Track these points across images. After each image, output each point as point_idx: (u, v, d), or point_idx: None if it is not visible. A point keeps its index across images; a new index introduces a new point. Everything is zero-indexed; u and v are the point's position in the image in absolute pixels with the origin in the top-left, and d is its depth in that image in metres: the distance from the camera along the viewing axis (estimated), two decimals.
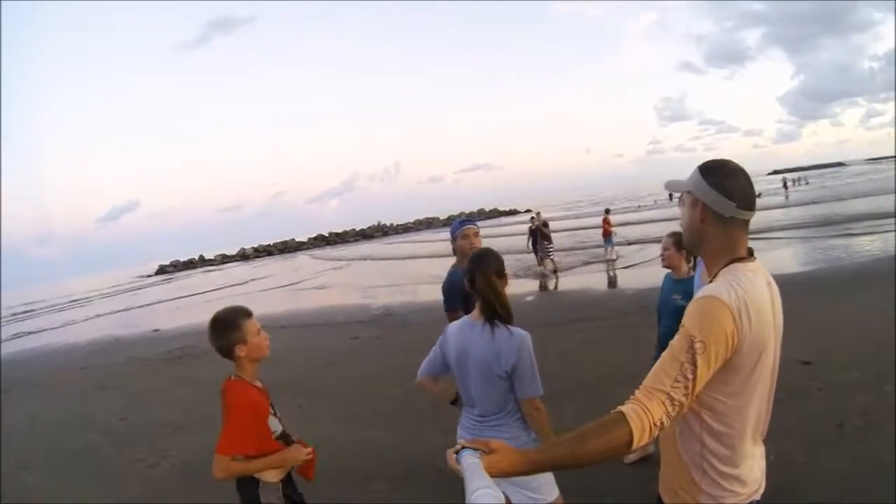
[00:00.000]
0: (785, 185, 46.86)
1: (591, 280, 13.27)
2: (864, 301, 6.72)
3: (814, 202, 28.47)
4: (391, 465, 4.27)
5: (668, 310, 3.41)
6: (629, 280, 12.36)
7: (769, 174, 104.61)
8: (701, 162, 1.45)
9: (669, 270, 3.54)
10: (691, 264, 3.39)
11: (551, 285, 13.44)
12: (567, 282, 13.54)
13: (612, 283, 12.82)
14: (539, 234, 14.98)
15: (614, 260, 15.18)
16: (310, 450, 2.30)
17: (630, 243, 18.61)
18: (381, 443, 4.74)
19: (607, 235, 15.44)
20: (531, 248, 15.47)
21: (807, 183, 54.27)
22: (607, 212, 16.53)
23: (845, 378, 4.52)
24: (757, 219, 1.44)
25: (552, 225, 16.49)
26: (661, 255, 3.52)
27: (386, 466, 4.25)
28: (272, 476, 2.22)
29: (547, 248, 15.01)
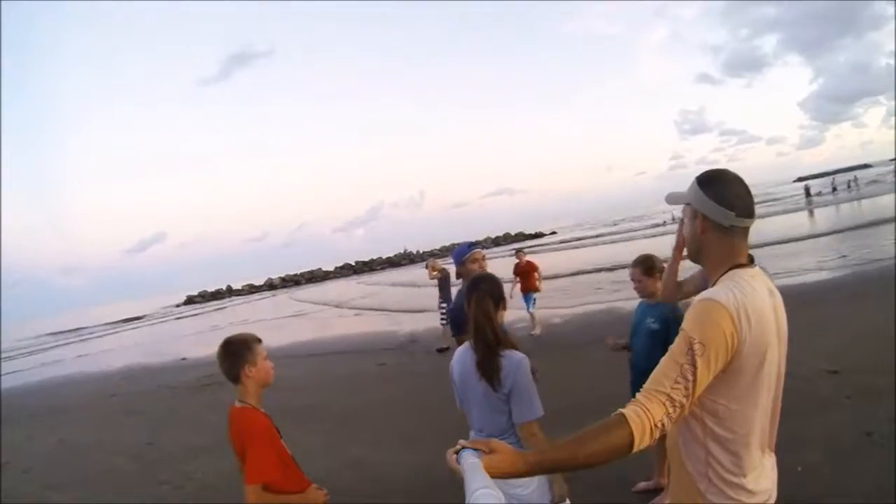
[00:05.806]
0: (808, 194, 39.50)
1: None
2: (891, 305, 6.43)
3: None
4: (412, 484, 4.23)
5: (640, 334, 3.16)
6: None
7: (794, 182, 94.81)
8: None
9: (643, 298, 3.29)
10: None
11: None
12: None
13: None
14: (442, 287, 9.13)
15: (536, 334, 9.19)
16: (325, 493, 2.38)
17: None
18: (404, 464, 4.68)
19: (527, 291, 9.55)
20: (438, 306, 9.39)
21: (856, 184, 41.60)
22: (520, 252, 10.17)
23: (874, 385, 4.35)
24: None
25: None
26: (634, 286, 3.25)
27: (406, 485, 4.24)
28: None
29: (441, 307, 9.16)
